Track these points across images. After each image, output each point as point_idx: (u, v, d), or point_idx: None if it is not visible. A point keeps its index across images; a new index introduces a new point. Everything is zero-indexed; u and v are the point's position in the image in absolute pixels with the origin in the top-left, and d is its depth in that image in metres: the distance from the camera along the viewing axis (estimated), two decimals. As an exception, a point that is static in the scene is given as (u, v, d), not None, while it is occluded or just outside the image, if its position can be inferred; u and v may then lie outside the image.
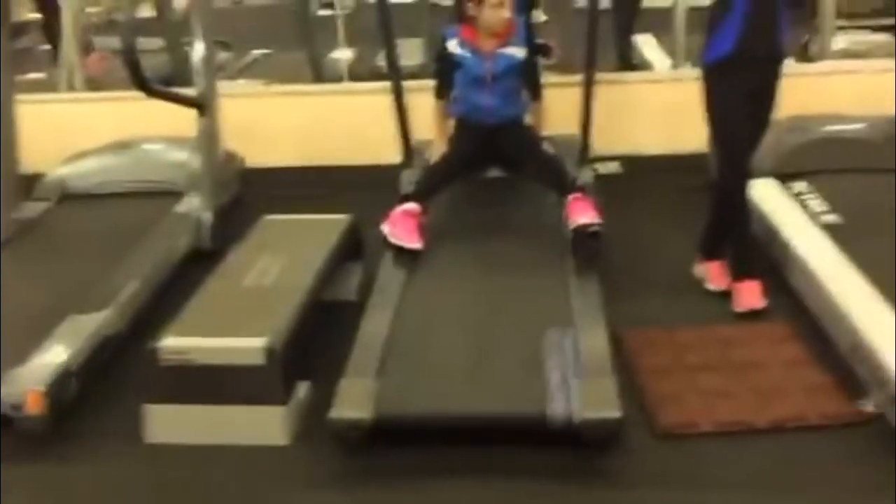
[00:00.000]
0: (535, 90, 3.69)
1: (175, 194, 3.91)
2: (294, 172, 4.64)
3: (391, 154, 4.01)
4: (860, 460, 2.35)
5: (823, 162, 3.83)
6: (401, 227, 3.20)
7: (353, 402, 2.39)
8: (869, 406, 2.50)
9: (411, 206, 3.25)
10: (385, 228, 3.20)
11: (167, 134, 4.21)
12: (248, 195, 4.37)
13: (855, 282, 2.89)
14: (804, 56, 5.00)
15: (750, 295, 3.09)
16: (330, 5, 5.57)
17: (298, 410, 2.59)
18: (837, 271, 2.98)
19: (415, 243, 3.18)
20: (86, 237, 3.61)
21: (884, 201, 3.56)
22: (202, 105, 3.78)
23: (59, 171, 4.11)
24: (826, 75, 4.59)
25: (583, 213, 3.18)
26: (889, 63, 4.62)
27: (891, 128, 3.99)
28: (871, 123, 4.03)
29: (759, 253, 3.32)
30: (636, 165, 4.09)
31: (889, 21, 5.48)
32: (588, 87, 3.77)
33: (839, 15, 5.00)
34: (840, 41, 5.01)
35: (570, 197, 3.25)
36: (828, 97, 4.30)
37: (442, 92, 3.67)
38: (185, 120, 3.87)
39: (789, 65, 3.09)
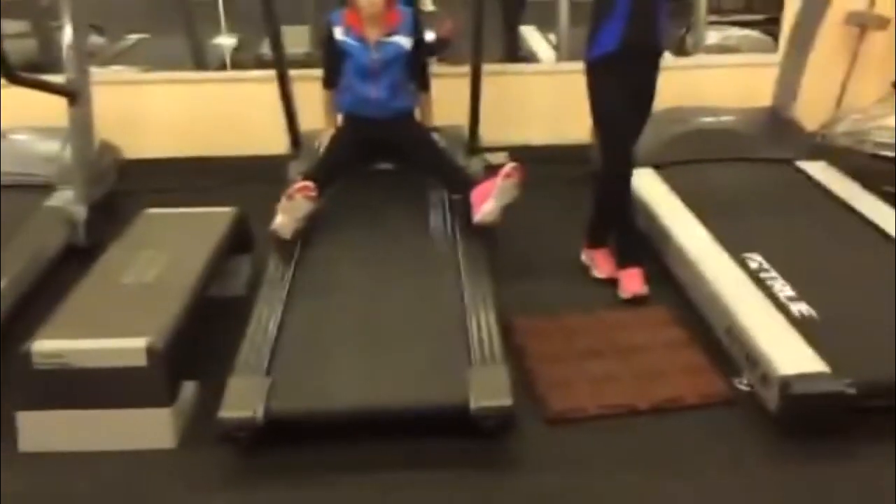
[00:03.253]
0: (423, 81, 3.70)
1: (46, 188, 3.69)
2: (176, 164, 4.47)
3: (278, 144, 3.92)
4: (734, 436, 2.48)
5: (700, 152, 4.01)
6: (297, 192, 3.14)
7: (243, 400, 2.32)
8: (743, 384, 2.65)
9: (307, 183, 3.20)
10: (276, 220, 3.12)
11: (36, 124, 3.97)
12: (127, 189, 4.18)
13: (727, 267, 3.04)
14: (681, 50, 5.21)
15: (633, 281, 3.21)
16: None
17: (185, 412, 2.50)
18: (711, 257, 3.13)
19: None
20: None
21: (756, 188, 3.78)
22: (73, 93, 3.58)
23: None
24: (702, 68, 4.80)
25: (484, 208, 3.21)
26: (759, 57, 4.88)
27: (761, 119, 4.23)
28: (743, 115, 4.25)
29: (642, 241, 3.45)
30: (524, 155, 4.15)
31: (755, 17, 5.78)
32: (475, 78, 3.80)
33: (710, 11, 5.25)
34: (712, 36, 5.26)
35: (475, 192, 3.26)
36: (703, 89, 4.50)
37: (330, 81, 3.62)
38: (55, 109, 3.65)
39: (668, 58, 3.21)
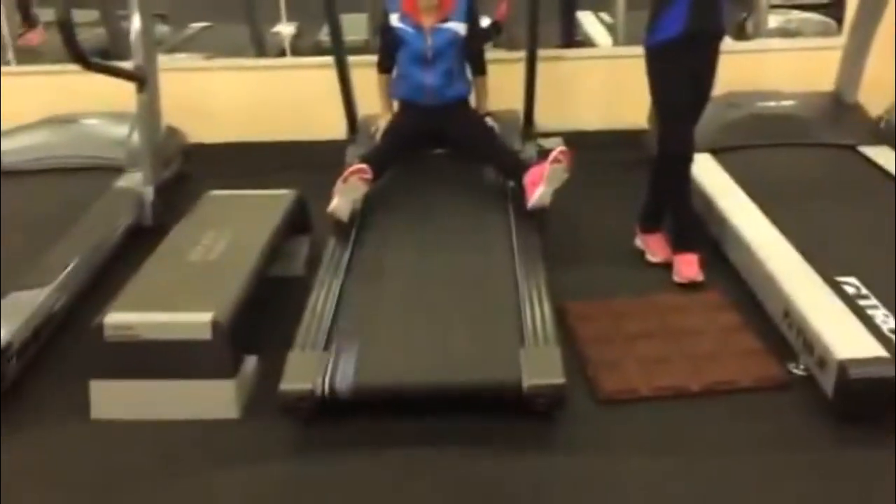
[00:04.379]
0: (479, 65, 3.72)
1: (115, 170, 3.84)
2: (238, 148, 4.59)
3: (336, 129, 4.00)
4: (789, 420, 2.47)
5: (759, 137, 3.96)
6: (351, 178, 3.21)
7: (302, 373, 2.41)
8: (798, 369, 2.63)
9: (361, 165, 3.27)
10: (333, 203, 3.20)
11: (106, 109, 4.13)
12: (192, 172, 4.32)
13: (786, 252, 3.01)
14: (741, 34, 5.13)
15: (689, 266, 3.20)
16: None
17: (247, 384, 2.60)
18: (770, 242, 3.09)
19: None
20: (24, 214, 3.52)
21: (816, 173, 3.72)
22: (141, 78, 3.71)
23: (-6, 147, 4.00)
24: (762, 52, 4.72)
25: (535, 193, 3.23)
26: (821, 41, 4.78)
27: (822, 103, 4.15)
28: (804, 99, 4.17)
29: (699, 226, 3.43)
30: (578, 141, 4.17)
31: (818, 0, 5.65)
32: (531, 63, 3.80)
33: (773, -6, 5.16)
34: (774, 19, 5.16)
35: (526, 178, 3.29)
36: (763, 73, 4.43)
37: (384, 65, 3.68)
38: (124, 95, 3.80)
39: (727, 42, 3.17)
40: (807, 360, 2.60)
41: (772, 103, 4.15)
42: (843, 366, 2.36)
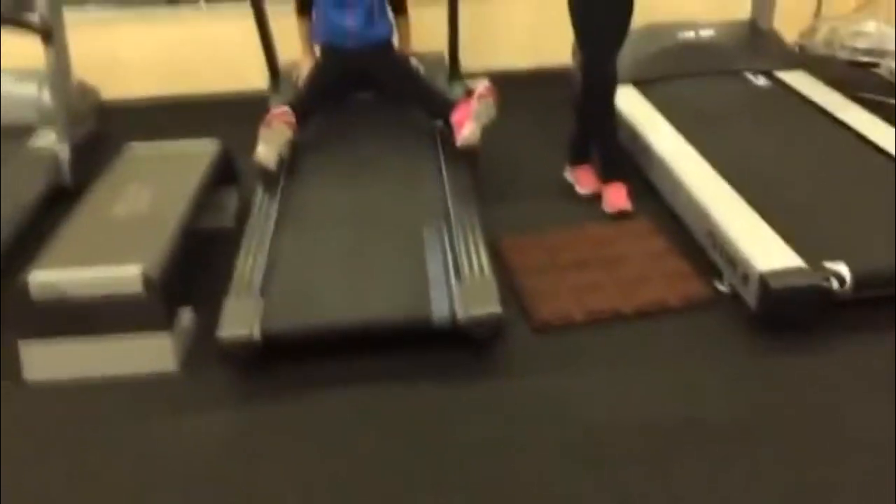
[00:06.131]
0: (399, 4, 3.67)
1: (27, 130, 3.68)
2: (156, 103, 4.45)
3: (258, 79, 3.91)
4: (716, 334, 2.57)
5: (679, 67, 4.02)
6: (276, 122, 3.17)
7: (239, 320, 2.39)
8: (724, 286, 2.73)
9: (284, 109, 3.22)
10: (258, 149, 3.14)
11: (13, 66, 3.94)
12: (108, 130, 4.16)
13: (708, 176, 3.10)
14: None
15: (617, 196, 3.26)
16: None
17: (183, 336, 2.56)
18: (693, 168, 3.18)
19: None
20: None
21: (736, 100, 3.81)
22: (47, 31, 3.54)
23: None
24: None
25: (464, 130, 3.21)
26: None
27: (739, 32, 4.23)
28: (721, 28, 4.25)
29: (625, 156, 3.49)
30: (505, 80, 4.17)
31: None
32: (453, 2, 3.77)
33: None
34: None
35: (453, 117, 3.27)
36: (681, 4, 4.48)
37: (303, 9, 3.60)
38: (31, 52, 3.62)
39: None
40: (731, 276, 2.70)
41: (691, 33, 4.21)
42: (764, 278, 2.46)
